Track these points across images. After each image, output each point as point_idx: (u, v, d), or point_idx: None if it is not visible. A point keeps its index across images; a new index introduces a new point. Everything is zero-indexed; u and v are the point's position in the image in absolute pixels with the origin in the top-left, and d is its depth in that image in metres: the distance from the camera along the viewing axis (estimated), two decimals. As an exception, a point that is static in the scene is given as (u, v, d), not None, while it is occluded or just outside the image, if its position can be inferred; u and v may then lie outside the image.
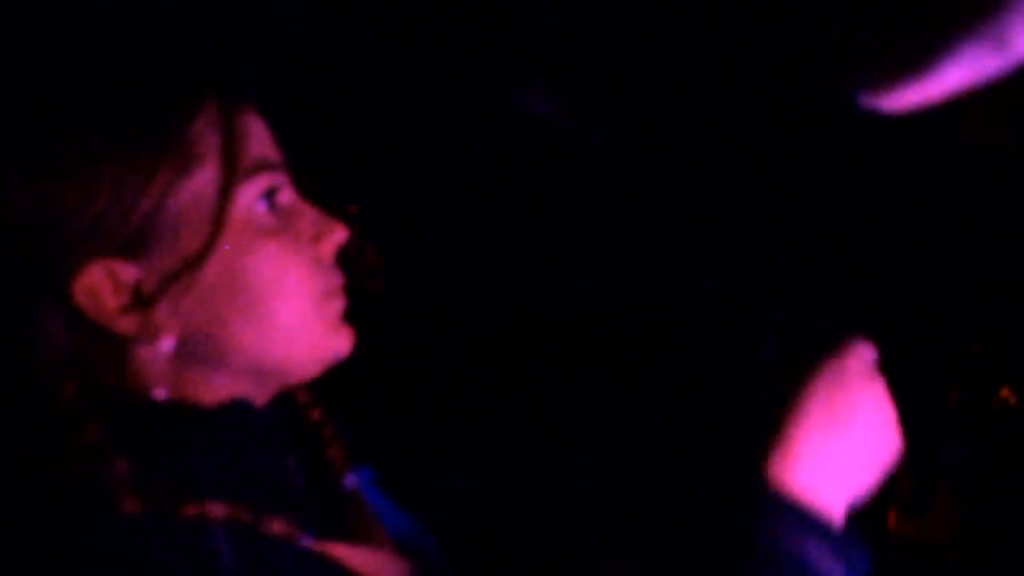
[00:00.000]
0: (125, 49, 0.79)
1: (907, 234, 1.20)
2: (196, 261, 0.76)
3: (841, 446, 0.79)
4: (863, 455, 0.80)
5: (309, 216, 0.85)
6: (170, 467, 0.74)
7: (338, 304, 0.86)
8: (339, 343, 0.85)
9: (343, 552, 0.81)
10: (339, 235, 0.85)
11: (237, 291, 0.78)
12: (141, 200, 0.74)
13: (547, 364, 1.41)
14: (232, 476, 0.77)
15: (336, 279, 0.86)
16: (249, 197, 0.79)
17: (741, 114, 1.21)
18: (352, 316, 0.87)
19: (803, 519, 0.76)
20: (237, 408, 0.81)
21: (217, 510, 0.73)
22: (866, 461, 0.81)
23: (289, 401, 0.92)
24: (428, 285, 1.49)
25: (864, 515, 1.25)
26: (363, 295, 0.91)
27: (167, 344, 0.77)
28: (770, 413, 0.80)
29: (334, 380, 0.90)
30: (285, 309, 0.80)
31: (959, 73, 0.71)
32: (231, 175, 0.78)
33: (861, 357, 0.83)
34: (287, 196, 0.84)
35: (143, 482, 0.72)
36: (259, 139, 0.81)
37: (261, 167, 0.80)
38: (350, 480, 0.91)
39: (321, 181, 0.94)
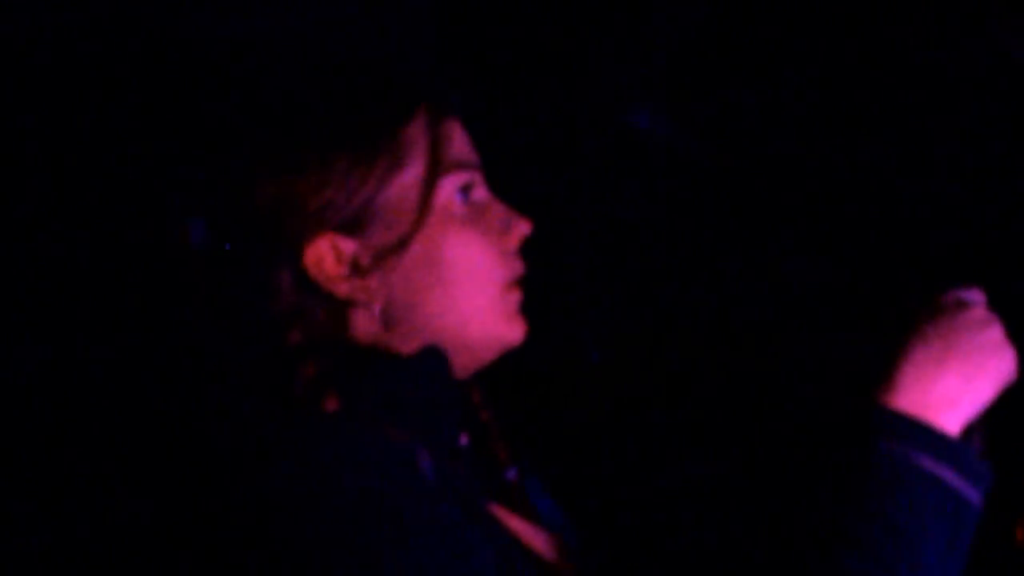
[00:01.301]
0: (352, 70, 0.96)
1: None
2: (403, 241, 0.90)
3: (947, 373, 0.83)
4: (972, 375, 0.84)
5: (498, 211, 0.96)
6: (371, 409, 0.84)
7: (518, 294, 0.96)
8: (514, 331, 0.95)
9: (501, 514, 0.88)
10: (524, 228, 0.97)
11: (435, 269, 0.90)
12: (362, 189, 0.89)
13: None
14: (420, 429, 0.85)
15: (519, 269, 0.97)
16: (449, 190, 0.92)
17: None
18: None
19: (910, 429, 0.81)
20: (434, 371, 0.90)
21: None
22: (976, 381, 0.84)
23: (465, 399, 0.99)
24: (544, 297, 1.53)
25: (992, 528, 1.24)
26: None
27: (375, 309, 0.90)
28: (878, 351, 0.86)
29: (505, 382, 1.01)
30: (473, 290, 0.92)
31: None
32: (435, 170, 0.91)
33: (964, 298, 0.87)
34: (480, 193, 0.96)
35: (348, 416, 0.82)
36: (459, 143, 0.95)
37: (459, 165, 0.93)
38: (511, 474, 0.98)
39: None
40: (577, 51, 1.40)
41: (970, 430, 0.85)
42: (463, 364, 0.94)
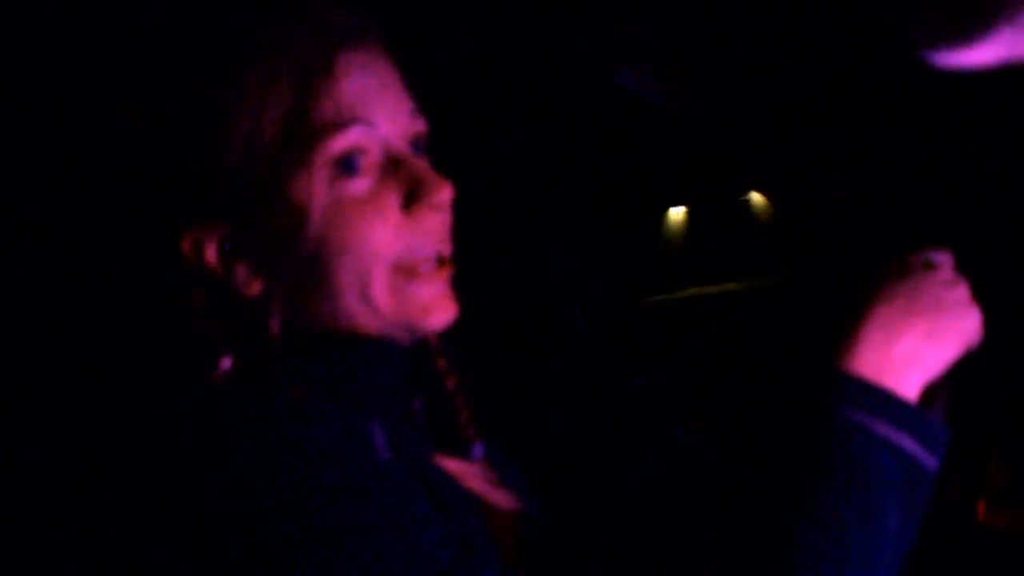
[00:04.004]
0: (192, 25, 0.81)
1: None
2: (265, 227, 0.78)
3: (909, 332, 0.82)
4: (934, 335, 0.82)
5: (408, 173, 0.81)
6: (322, 387, 0.78)
7: (435, 275, 0.82)
8: (430, 319, 0.83)
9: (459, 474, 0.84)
10: (440, 195, 0.80)
11: (311, 254, 0.78)
12: (221, 164, 0.77)
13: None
14: (372, 404, 0.80)
15: (435, 244, 0.82)
16: (324, 161, 0.78)
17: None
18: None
19: (868, 394, 0.79)
20: (381, 346, 0.82)
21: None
22: (938, 340, 0.82)
23: (428, 363, 0.94)
24: (519, 259, 1.52)
25: (954, 504, 1.25)
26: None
27: (252, 292, 0.80)
28: (844, 309, 0.83)
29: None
30: (359, 281, 0.79)
31: (1000, 48, 0.81)
32: (301, 140, 0.77)
33: (931, 258, 0.85)
34: (379, 152, 0.80)
35: (241, 375, 0.77)
36: (345, 96, 0.79)
37: (335, 127, 0.78)
38: (478, 450, 0.93)
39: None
40: (569, 10, 1.40)
41: (933, 393, 0.84)
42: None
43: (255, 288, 0.80)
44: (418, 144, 0.85)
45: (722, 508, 0.81)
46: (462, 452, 0.92)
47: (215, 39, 0.80)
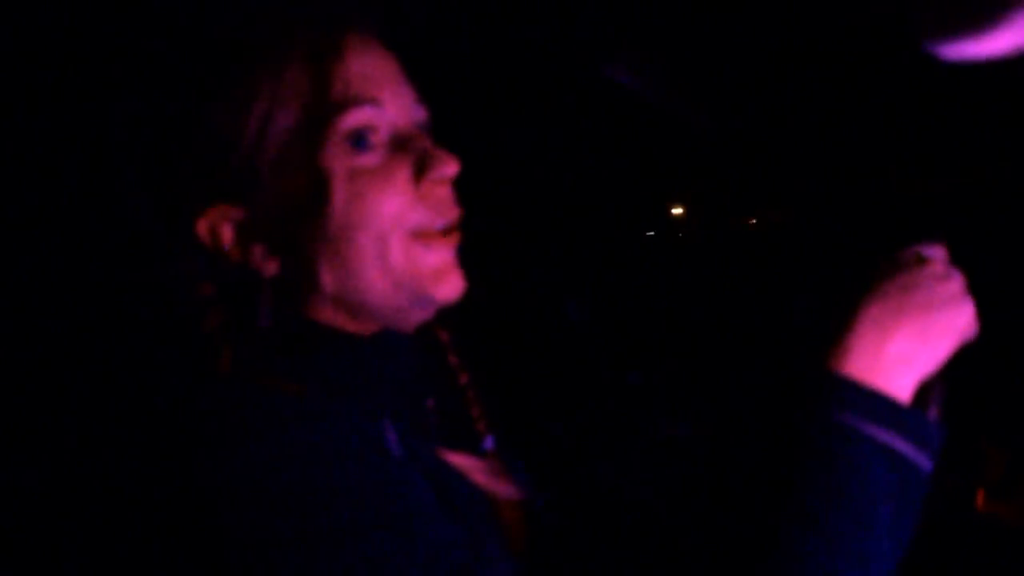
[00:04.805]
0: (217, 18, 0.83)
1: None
2: (282, 205, 0.81)
3: (901, 331, 0.81)
4: (926, 333, 0.81)
5: (416, 149, 0.84)
6: (335, 385, 0.80)
7: (443, 244, 0.85)
8: (442, 289, 0.85)
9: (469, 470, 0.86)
10: (447, 168, 0.84)
11: (327, 227, 0.81)
12: (238, 146, 0.80)
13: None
14: (384, 402, 0.81)
15: (443, 216, 0.85)
16: (337, 136, 0.81)
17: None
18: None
19: (859, 397, 0.78)
20: (393, 343, 0.84)
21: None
22: (930, 338, 0.81)
23: (441, 359, 0.96)
24: (513, 258, 1.52)
25: (953, 495, 1.24)
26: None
27: (269, 272, 0.83)
28: (836, 310, 0.83)
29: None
30: (371, 248, 0.82)
31: (1008, 39, 0.82)
32: (313, 118, 0.80)
33: (924, 253, 0.84)
34: (384, 133, 0.84)
35: (244, 369, 0.79)
36: (354, 77, 0.82)
37: (349, 103, 0.81)
38: (488, 443, 0.95)
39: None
40: (558, 2, 1.39)
41: (928, 388, 0.83)
42: (396, 324, 0.87)
43: (272, 268, 0.82)
44: (422, 130, 0.88)
45: (715, 507, 0.80)
46: (473, 446, 0.94)
47: (228, 29, 0.83)
